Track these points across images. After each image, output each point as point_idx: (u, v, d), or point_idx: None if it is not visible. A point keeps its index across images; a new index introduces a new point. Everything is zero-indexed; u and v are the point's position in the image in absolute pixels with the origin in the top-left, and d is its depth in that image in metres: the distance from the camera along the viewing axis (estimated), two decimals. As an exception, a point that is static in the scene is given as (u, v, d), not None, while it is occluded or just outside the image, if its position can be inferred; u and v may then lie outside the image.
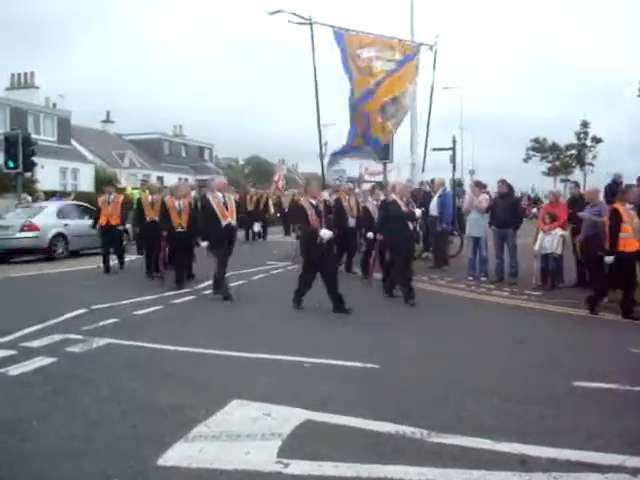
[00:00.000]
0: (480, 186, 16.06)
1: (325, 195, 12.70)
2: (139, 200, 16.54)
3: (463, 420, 5.65)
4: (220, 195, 12.32)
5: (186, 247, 13.61)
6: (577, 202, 13.91)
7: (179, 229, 13.40)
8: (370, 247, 14.77)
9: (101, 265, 16.26)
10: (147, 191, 18.37)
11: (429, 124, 19.63)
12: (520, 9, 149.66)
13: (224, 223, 12.10)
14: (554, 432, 5.38)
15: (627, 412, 6.10)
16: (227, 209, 12.20)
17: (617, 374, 7.22)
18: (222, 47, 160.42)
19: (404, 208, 12.01)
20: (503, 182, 15.19)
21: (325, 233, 10.53)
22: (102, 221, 16.29)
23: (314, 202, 10.94)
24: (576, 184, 15.84)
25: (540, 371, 7.48)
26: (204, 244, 12.37)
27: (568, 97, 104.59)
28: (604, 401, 6.44)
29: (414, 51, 19.21)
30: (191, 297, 12.17)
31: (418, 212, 12.48)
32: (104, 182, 42.38)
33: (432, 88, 19.31)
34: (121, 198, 16.86)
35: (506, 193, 15.09)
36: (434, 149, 40.86)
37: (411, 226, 12.19)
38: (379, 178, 24.85)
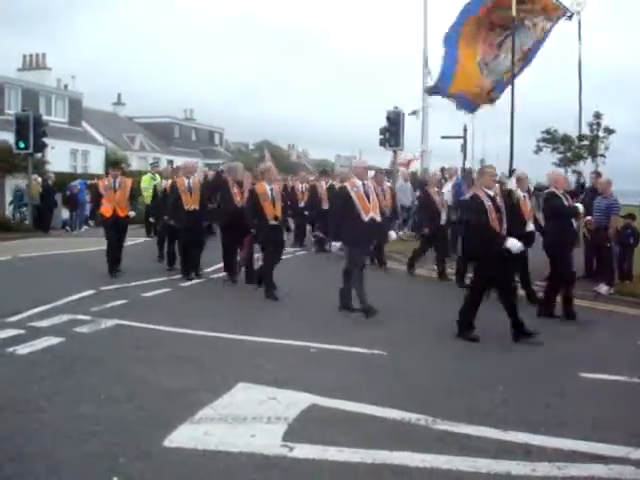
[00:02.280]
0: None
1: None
2: (155, 186, 15.32)
3: (469, 408, 5.65)
4: (360, 184, 9.74)
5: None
6: (590, 192, 13.85)
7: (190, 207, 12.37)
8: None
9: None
10: (157, 175, 18.20)
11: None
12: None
13: (367, 218, 9.57)
14: (559, 422, 5.39)
15: (633, 404, 6.11)
16: (369, 201, 9.65)
17: (624, 366, 7.20)
18: (235, 30, 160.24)
19: (566, 203, 10.00)
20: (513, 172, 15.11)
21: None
22: (106, 211, 12.89)
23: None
24: (598, 174, 15.66)
25: (546, 362, 7.48)
26: (337, 245, 9.76)
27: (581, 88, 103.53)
28: (610, 393, 6.44)
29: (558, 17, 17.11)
30: (199, 280, 12.18)
31: (580, 207, 10.46)
32: (114, 164, 42.55)
33: (579, 64, 18.32)
34: (129, 182, 13.42)
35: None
36: (444, 137, 40.60)
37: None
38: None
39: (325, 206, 16.51)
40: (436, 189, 14.14)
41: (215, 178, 14.83)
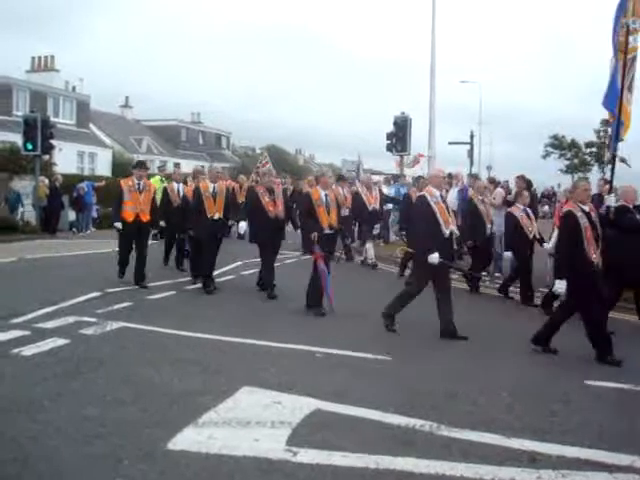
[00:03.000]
0: (494, 183, 16.00)
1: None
2: (165, 189, 14.44)
3: (474, 415, 5.64)
4: (438, 194, 9.06)
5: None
6: (596, 199, 13.83)
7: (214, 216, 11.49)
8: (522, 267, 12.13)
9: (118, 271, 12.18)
10: (163, 179, 18.18)
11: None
12: (540, 6, 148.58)
13: (447, 231, 8.86)
14: (564, 430, 5.37)
15: (638, 412, 6.07)
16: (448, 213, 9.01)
17: (630, 374, 7.18)
18: (244, 33, 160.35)
19: None
20: (520, 177, 15.11)
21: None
22: (128, 215, 11.70)
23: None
24: (606, 181, 15.64)
25: (552, 369, 7.46)
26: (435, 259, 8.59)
27: (587, 94, 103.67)
28: (616, 401, 6.43)
29: None
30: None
31: None
32: (121, 167, 42.66)
33: None
34: (153, 187, 12.46)
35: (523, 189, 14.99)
36: (451, 143, 40.58)
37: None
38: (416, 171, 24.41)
39: (345, 212, 15.50)
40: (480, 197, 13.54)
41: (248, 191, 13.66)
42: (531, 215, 12.22)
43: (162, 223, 13.22)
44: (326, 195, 10.33)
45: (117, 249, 12.23)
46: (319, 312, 9.75)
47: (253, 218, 11.67)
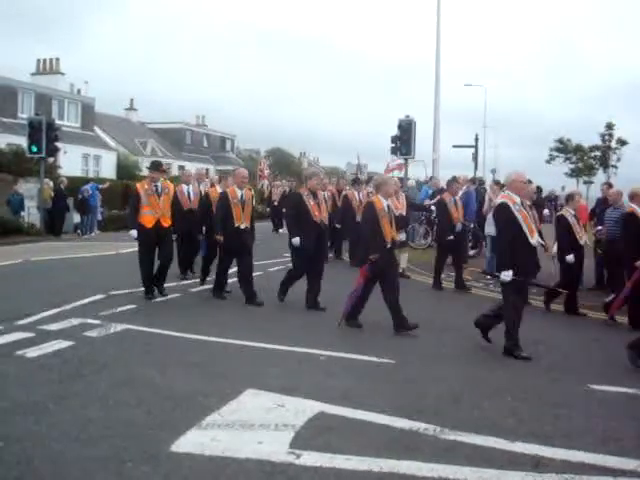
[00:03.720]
0: (499, 185, 15.95)
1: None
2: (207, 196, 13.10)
3: (478, 419, 5.63)
4: (519, 200, 8.25)
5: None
6: (602, 203, 13.84)
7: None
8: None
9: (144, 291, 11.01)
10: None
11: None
12: (544, 9, 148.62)
13: (534, 242, 8.25)
14: (568, 434, 5.36)
15: (643, 417, 6.06)
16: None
17: (633, 378, 7.16)
18: (249, 37, 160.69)
19: None
20: (529, 182, 15.14)
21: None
22: (148, 221, 10.71)
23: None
24: (610, 185, 15.65)
25: (556, 373, 7.44)
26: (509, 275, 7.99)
27: (593, 98, 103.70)
28: (620, 404, 6.41)
29: None
30: (209, 286, 12.18)
31: None
32: (126, 169, 42.73)
33: None
34: (172, 188, 11.42)
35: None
36: (455, 146, 40.54)
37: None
38: (398, 173, 24.21)
39: (358, 218, 14.75)
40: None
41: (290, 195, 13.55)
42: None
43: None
44: (388, 206, 9.41)
45: (139, 263, 10.84)
46: (355, 324, 9.22)
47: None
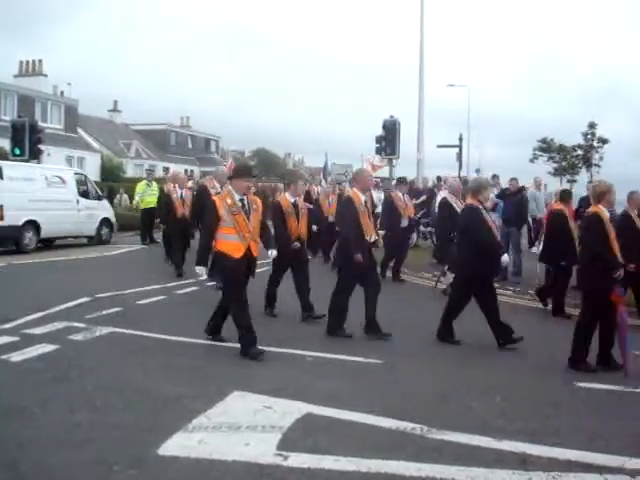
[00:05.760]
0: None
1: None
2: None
3: (465, 418, 5.65)
4: None
5: None
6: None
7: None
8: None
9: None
10: (153, 182, 18.15)
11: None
12: (528, 9, 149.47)
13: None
14: (555, 432, 5.39)
15: (628, 413, 6.11)
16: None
17: (619, 376, 7.20)
18: (233, 38, 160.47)
19: None
20: (514, 180, 15.23)
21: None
22: (235, 250, 7.55)
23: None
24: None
25: (543, 371, 7.48)
26: None
27: (576, 98, 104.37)
28: (606, 402, 6.46)
29: None
30: (194, 288, 12.15)
31: None
32: (110, 171, 42.53)
33: None
34: (260, 204, 8.12)
35: (514, 192, 15.09)
36: (439, 146, 40.64)
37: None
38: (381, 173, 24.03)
39: (405, 223, 14.60)
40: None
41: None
42: None
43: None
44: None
45: (234, 315, 7.81)
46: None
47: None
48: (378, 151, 22.76)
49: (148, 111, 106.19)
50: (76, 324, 8.53)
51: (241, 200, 7.74)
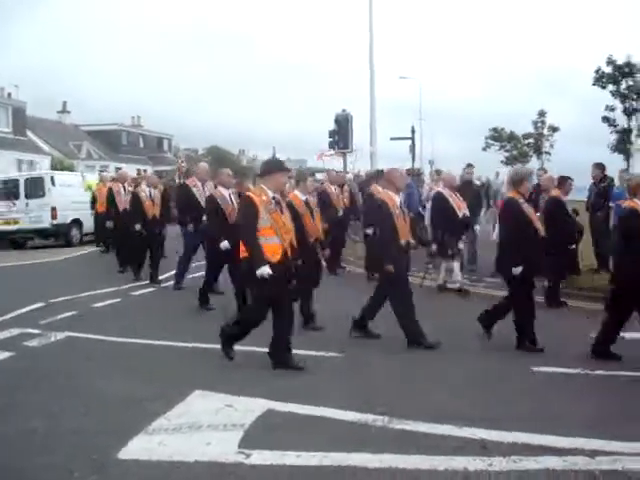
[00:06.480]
0: (439, 174, 16.06)
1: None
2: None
3: (426, 407, 5.69)
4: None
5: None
6: (537, 189, 14.02)
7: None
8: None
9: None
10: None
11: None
12: (477, 1, 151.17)
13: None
14: (515, 417, 5.45)
15: (586, 396, 6.20)
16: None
17: (577, 359, 7.31)
18: (183, 36, 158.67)
19: None
20: (470, 166, 15.23)
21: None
22: (274, 253, 6.81)
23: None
24: (545, 171, 15.90)
25: (500, 357, 7.56)
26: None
27: (524, 88, 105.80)
28: (564, 386, 6.54)
29: None
30: (150, 289, 12.03)
31: None
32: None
33: None
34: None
35: (470, 180, 15.15)
36: (392, 138, 40.81)
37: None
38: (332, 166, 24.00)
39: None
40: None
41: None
42: None
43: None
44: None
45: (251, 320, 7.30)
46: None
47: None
48: (331, 145, 22.82)
49: (98, 111, 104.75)
50: (31, 330, 8.40)
51: (273, 197, 7.05)
